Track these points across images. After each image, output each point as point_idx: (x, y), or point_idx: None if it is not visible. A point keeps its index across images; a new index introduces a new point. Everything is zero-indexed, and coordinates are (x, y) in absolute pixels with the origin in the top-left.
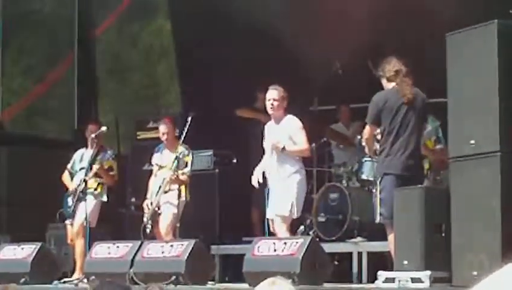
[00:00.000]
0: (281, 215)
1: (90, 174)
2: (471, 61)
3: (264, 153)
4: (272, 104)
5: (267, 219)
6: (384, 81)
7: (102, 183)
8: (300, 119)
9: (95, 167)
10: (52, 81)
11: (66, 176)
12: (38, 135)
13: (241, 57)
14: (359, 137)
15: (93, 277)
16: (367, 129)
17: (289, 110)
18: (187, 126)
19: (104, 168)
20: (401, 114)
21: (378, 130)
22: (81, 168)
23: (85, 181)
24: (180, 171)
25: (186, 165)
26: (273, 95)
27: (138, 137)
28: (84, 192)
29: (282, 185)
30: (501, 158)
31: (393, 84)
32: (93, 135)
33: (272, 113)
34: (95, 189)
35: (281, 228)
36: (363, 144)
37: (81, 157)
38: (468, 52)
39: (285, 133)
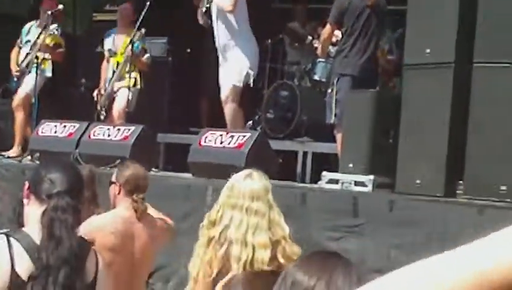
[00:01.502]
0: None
1: (36, 48)
2: None
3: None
4: None
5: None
6: None
7: (47, 59)
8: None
9: (39, 41)
10: None
11: (15, 51)
12: None
13: None
14: (310, 38)
15: (37, 154)
16: (327, 28)
17: (248, 5)
18: (144, 11)
19: (49, 44)
20: (363, 17)
21: (337, 32)
22: (27, 41)
23: (27, 55)
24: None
25: (145, 52)
26: None
27: (94, 18)
28: (28, 66)
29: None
30: (454, 69)
31: None
32: (49, 12)
33: None
34: (40, 64)
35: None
36: (315, 44)
37: (29, 29)
38: None
39: None
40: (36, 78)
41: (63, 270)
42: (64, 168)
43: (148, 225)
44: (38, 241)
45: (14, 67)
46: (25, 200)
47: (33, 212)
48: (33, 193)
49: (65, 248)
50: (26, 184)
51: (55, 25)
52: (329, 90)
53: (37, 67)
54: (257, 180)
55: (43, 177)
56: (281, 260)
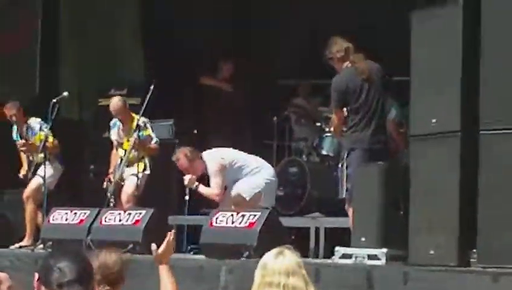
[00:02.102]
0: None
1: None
2: (435, 40)
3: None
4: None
5: None
6: (335, 63)
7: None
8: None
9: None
10: (14, 43)
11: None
12: None
13: (205, 27)
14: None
15: (50, 243)
16: (335, 116)
17: (252, 84)
18: (149, 95)
19: (35, 144)
20: (364, 91)
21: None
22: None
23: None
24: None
25: (151, 138)
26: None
27: (99, 104)
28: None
29: None
30: (461, 138)
31: (346, 63)
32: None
33: None
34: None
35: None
36: (331, 129)
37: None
38: (432, 31)
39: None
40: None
41: None
42: (73, 256)
43: None
44: None
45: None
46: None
47: None
48: (43, 284)
49: None
50: (36, 275)
51: (35, 124)
52: (340, 165)
53: (45, 158)
54: (289, 257)
55: (52, 267)
56: None
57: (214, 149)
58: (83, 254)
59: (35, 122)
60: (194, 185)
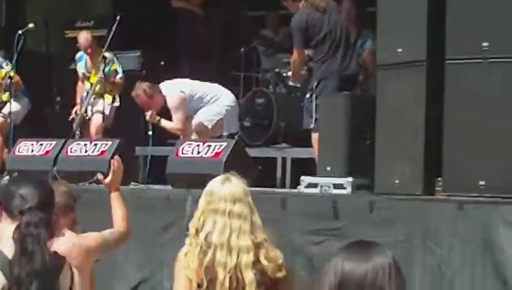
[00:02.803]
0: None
1: None
2: None
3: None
4: None
5: None
6: (290, 5)
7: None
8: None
9: None
10: None
11: None
12: None
13: None
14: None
15: (15, 174)
16: (296, 54)
17: (220, 15)
18: (115, 26)
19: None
20: (325, 22)
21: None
22: None
23: None
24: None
25: (117, 73)
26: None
27: (66, 36)
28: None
29: None
30: (427, 67)
31: (301, 3)
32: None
33: None
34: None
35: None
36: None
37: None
38: None
39: None
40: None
41: (35, 284)
42: (35, 183)
43: None
44: (10, 257)
45: None
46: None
47: (6, 228)
48: (5, 210)
49: (37, 262)
50: None
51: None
52: (308, 96)
53: (10, 94)
54: (236, 184)
55: (14, 194)
56: (265, 263)
57: (171, 81)
58: (45, 182)
59: None
60: (156, 120)
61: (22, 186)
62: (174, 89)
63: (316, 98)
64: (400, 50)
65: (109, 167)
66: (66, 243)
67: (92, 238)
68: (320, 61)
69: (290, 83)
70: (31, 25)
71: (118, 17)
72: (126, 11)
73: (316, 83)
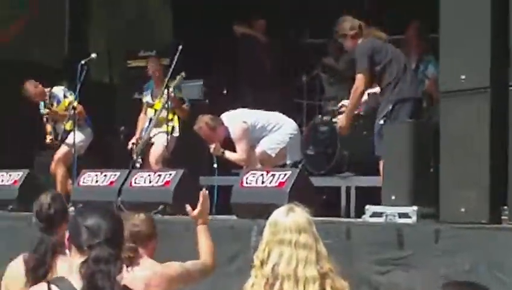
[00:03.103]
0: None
1: (48, 125)
2: None
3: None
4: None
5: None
6: (348, 40)
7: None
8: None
9: (44, 113)
10: (44, 8)
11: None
12: (27, 61)
13: None
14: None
15: (80, 205)
16: (360, 78)
17: (281, 42)
18: (177, 55)
19: (59, 113)
20: (389, 49)
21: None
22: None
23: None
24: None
25: (184, 101)
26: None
27: (129, 65)
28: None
29: None
30: (491, 94)
31: (359, 40)
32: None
33: None
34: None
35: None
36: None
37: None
38: None
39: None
40: (78, 132)
41: None
42: (103, 215)
43: None
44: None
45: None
46: (67, 251)
47: (75, 262)
48: (73, 244)
49: None
50: (67, 233)
51: (58, 91)
52: (381, 121)
53: (74, 124)
54: (300, 214)
55: (81, 227)
56: None
57: (233, 112)
58: (113, 212)
59: (58, 90)
60: (220, 152)
61: (89, 219)
62: (236, 120)
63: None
64: (463, 77)
65: (174, 197)
66: (146, 271)
67: (174, 267)
68: (393, 83)
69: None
70: (93, 55)
71: (180, 47)
72: (188, 39)
73: (390, 107)
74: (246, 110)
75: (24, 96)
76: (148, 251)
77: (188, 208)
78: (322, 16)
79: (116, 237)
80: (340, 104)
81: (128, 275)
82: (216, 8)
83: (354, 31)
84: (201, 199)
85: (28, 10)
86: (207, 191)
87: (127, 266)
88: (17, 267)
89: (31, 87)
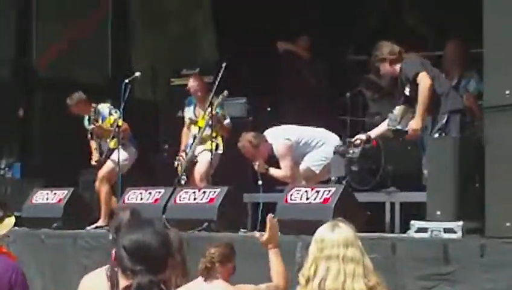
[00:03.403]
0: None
1: (93, 142)
2: (509, 9)
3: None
4: None
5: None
6: (386, 65)
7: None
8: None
9: (90, 129)
10: (87, 27)
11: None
12: (72, 80)
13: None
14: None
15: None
16: (425, 75)
17: (324, 60)
18: (221, 73)
19: (104, 129)
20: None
21: None
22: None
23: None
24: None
25: (225, 119)
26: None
27: (172, 84)
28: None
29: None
30: None
31: (398, 65)
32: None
33: None
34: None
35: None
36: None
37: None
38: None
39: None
40: (122, 150)
41: None
42: (147, 234)
43: None
44: None
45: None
46: (116, 268)
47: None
48: (118, 265)
49: None
50: (113, 254)
51: (103, 108)
52: (436, 134)
53: (118, 142)
54: (346, 228)
55: (121, 249)
56: None
57: (276, 128)
58: (157, 229)
59: (104, 107)
60: (265, 169)
61: (130, 239)
62: (279, 137)
63: (446, 134)
64: (507, 92)
65: (219, 215)
66: None
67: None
68: (444, 96)
69: (398, 127)
70: (137, 74)
71: (224, 64)
72: (231, 56)
73: (445, 118)
74: (289, 126)
75: (69, 106)
76: (225, 273)
77: (257, 234)
78: (365, 33)
79: (159, 259)
80: (355, 138)
81: None
82: (260, 25)
83: (394, 56)
84: (268, 224)
85: (76, 29)
86: (274, 217)
87: (204, 278)
88: (97, 277)
89: (76, 96)
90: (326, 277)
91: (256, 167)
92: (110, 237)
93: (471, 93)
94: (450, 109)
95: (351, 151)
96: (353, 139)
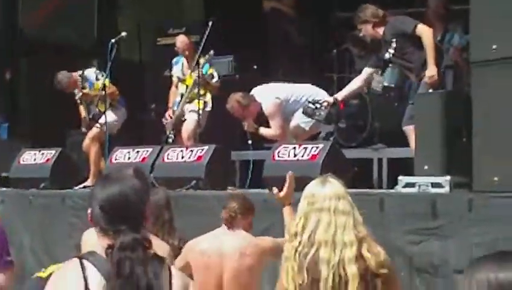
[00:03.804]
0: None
1: (81, 107)
2: None
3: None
4: None
5: None
6: (369, 29)
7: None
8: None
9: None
10: None
11: None
12: (57, 42)
13: None
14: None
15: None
16: (423, 26)
17: (310, 17)
18: (207, 31)
19: (92, 95)
20: None
21: None
22: None
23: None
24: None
25: (213, 76)
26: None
27: (158, 43)
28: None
29: None
30: None
31: (382, 28)
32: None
33: None
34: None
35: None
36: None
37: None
38: None
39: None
40: (111, 112)
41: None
42: (124, 189)
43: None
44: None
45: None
46: (94, 228)
47: (101, 241)
48: (96, 224)
49: (142, 286)
50: (89, 214)
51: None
52: (431, 90)
53: (109, 105)
54: (336, 183)
55: (96, 207)
56: (368, 256)
57: (264, 86)
58: (134, 182)
59: (90, 72)
60: (254, 128)
61: (107, 195)
62: (268, 96)
63: (443, 87)
64: (494, 47)
65: (206, 172)
66: (242, 240)
67: (267, 241)
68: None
69: (385, 83)
70: (123, 34)
71: (211, 23)
72: (217, 15)
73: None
74: (277, 84)
75: (57, 88)
76: (247, 224)
77: (275, 191)
78: None
79: (140, 214)
80: (322, 100)
81: (223, 243)
82: None
83: (377, 19)
84: (288, 180)
85: None
86: (292, 173)
87: (227, 227)
88: None
89: (64, 79)
90: (316, 229)
91: (245, 127)
92: None
93: (455, 47)
94: (446, 64)
95: (317, 113)
96: (321, 101)
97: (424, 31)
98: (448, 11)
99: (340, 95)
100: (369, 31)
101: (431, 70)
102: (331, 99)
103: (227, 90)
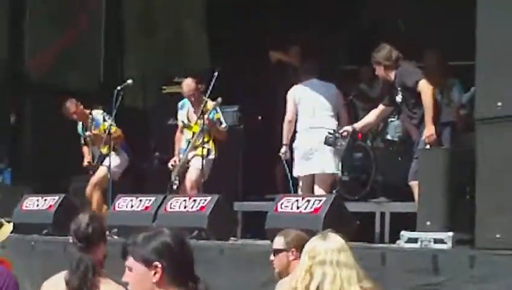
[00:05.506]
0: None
1: (85, 148)
2: (501, 22)
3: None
4: None
5: (293, 177)
6: (381, 70)
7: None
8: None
9: (86, 136)
10: (79, 33)
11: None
12: (63, 85)
13: (270, 12)
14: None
15: (115, 229)
16: (425, 82)
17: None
18: (213, 81)
19: (99, 135)
20: None
21: None
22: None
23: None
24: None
25: (221, 123)
26: None
27: (163, 91)
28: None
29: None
30: None
31: (394, 72)
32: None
33: None
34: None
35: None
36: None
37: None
38: (498, 13)
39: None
40: (114, 156)
41: None
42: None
43: None
44: None
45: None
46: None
47: None
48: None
49: None
50: (159, 265)
51: (98, 115)
52: (428, 146)
53: (111, 148)
54: (336, 237)
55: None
56: None
57: None
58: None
59: (97, 113)
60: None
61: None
62: None
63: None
64: (499, 104)
65: (209, 223)
66: None
67: None
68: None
69: (388, 137)
70: (129, 81)
71: (216, 73)
72: (223, 65)
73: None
74: None
75: (64, 114)
76: None
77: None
78: (356, 42)
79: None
80: (342, 130)
81: None
82: (252, 34)
83: (388, 63)
84: None
85: (68, 35)
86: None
87: None
88: (55, 283)
89: (72, 106)
90: (323, 281)
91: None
92: (71, 240)
93: (456, 104)
94: (441, 121)
95: (338, 143)
96: (341, 131)
97: (424, 89)
98: (446, 66)
99: (357, 125)
100: (380, 73)
101: (429, 130)
102: (350, 128)
103: (231, 140)
